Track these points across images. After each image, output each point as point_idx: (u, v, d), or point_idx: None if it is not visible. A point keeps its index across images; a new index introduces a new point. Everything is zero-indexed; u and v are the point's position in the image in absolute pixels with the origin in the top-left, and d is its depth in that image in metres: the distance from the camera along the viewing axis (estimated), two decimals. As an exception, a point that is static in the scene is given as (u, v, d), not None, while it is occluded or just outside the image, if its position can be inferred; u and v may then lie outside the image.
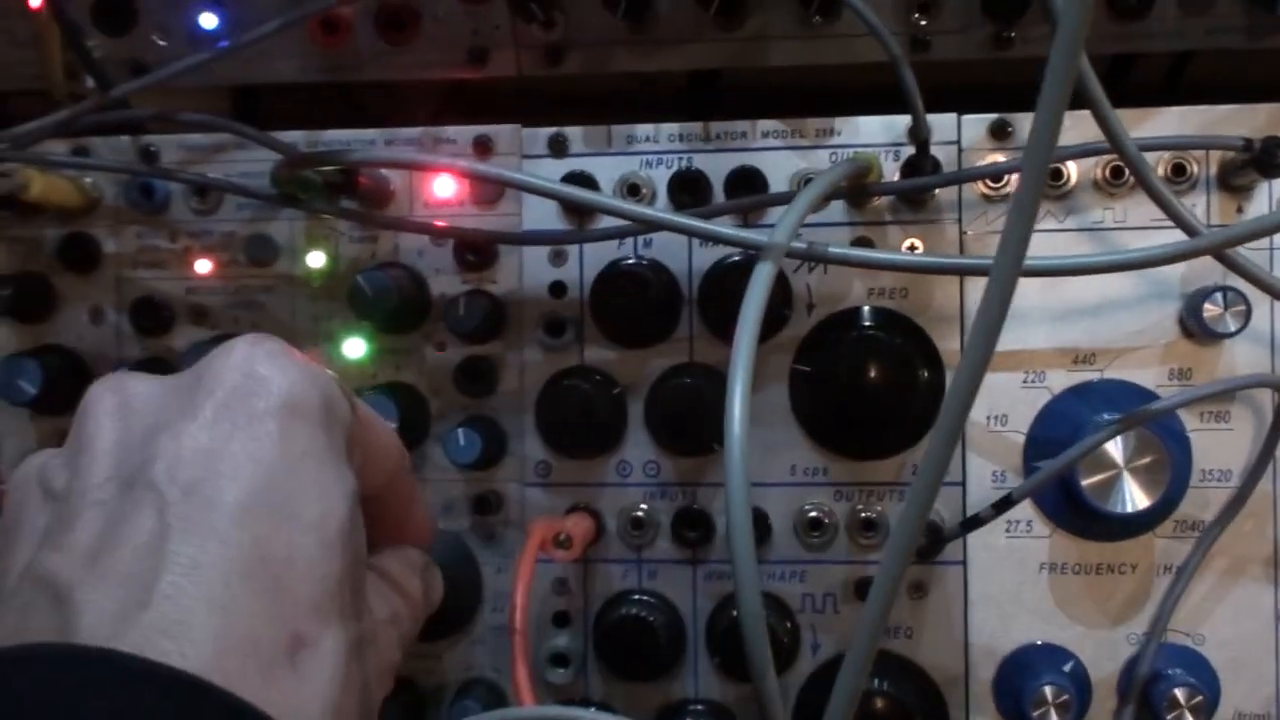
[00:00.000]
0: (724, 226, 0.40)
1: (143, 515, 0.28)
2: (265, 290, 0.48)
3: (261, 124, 0.46)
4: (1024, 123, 0.45)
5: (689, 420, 0.45)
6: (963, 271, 0.43)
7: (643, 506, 0.46)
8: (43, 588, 0.28)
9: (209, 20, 0.47)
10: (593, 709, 0.44)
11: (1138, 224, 0.45)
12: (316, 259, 0.48)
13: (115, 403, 0.31)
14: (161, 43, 0.48)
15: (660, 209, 0.45)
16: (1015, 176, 0.45)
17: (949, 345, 0.45)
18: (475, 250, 0.47)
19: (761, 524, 0.46)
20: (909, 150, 0.45)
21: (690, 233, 0.41)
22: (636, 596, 0.46)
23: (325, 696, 0.29)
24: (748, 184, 0.45)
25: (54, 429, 0.49)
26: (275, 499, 0.29)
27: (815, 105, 0.47)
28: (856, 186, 0.44)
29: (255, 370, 0.31)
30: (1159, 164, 0.44)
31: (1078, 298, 0.45)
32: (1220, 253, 0.37)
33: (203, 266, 0.48)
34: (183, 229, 0.48)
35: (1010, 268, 0.22)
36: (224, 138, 0.47)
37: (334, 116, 0.49)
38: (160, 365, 0.48)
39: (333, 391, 0.32)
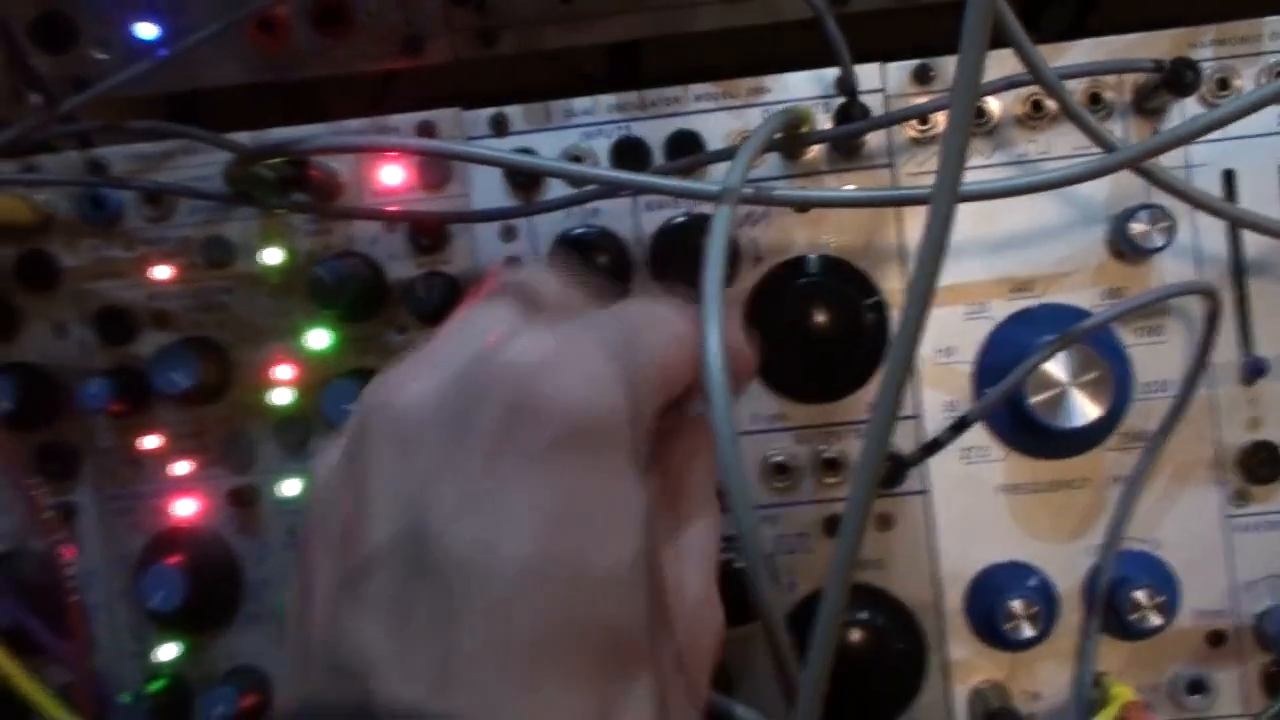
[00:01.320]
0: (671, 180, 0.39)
1: (428, 585, 0.26)
2: (226, 291, 0.49)
3: (206, 129, 0.47)
4: (945, 65, 0.47)
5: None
6: (903, 202, 0.44)
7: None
8: (344, 655, 0.27)
9: (148, 30, 0.48)
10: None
11: (1061, 154, 0.47)
12: (274, 255, 0.48)
13: (390, 431, 0.29)
14: (102, 56, 0.49)
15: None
16: (942, 116, 0.46)
17: (890, 285, 0.47)
18: (427, 233, 0.48)
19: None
20: (839, 101, 0.47)
21: (641, 188, 0.41)
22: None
23: None
24: (686, 147, 0.47)
25: (30, 444, 0.49)
26: (560, 551, 0.26)
27: (750, 72, 0.48)
28: (791, 137, 0.45)
29: (530, 391, 0.27)
30: (1076, 94, 0.46)
31: (1010, 230, 0.47)
32: (1141, 168, 0.39)
33: (161, 273, 0.49)
34: (138, 237, 0.49)
35: (949, 188, 0.23)
36: (169, 145, 0.48)
37: (278, 118, 0.50)
38: (128, 375, 0.48)
39: (631, 389, 0.28)
